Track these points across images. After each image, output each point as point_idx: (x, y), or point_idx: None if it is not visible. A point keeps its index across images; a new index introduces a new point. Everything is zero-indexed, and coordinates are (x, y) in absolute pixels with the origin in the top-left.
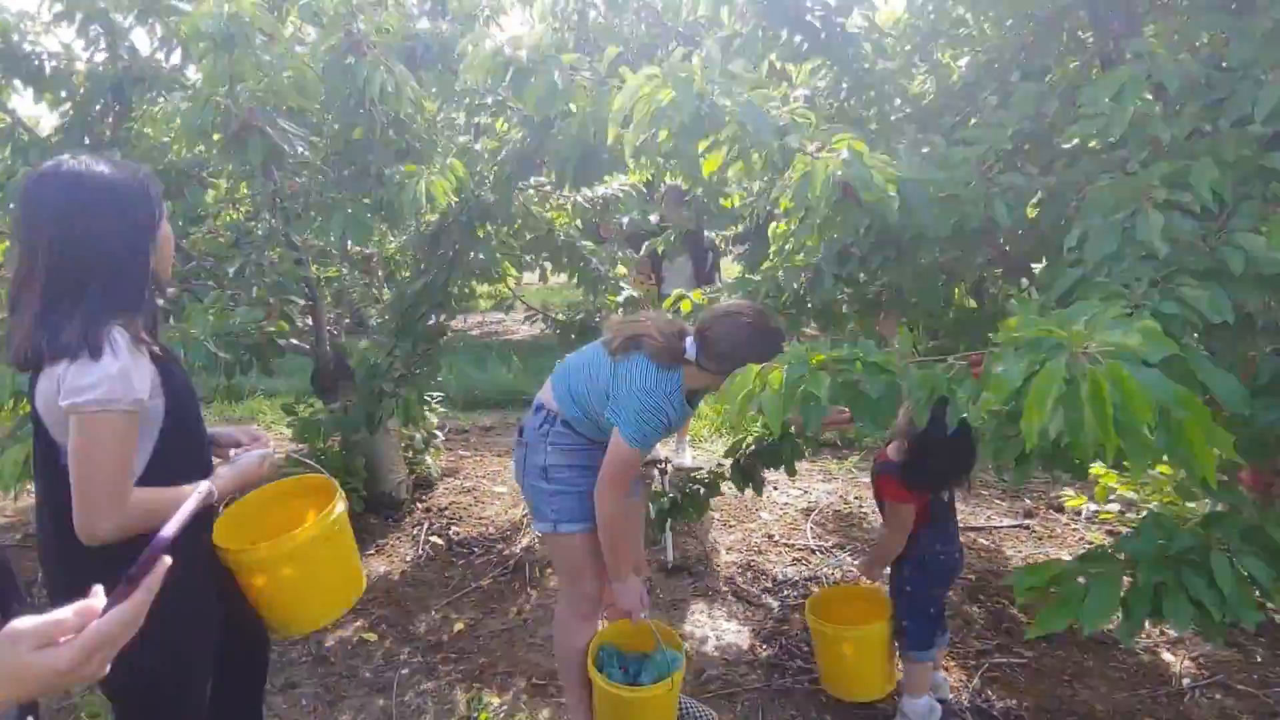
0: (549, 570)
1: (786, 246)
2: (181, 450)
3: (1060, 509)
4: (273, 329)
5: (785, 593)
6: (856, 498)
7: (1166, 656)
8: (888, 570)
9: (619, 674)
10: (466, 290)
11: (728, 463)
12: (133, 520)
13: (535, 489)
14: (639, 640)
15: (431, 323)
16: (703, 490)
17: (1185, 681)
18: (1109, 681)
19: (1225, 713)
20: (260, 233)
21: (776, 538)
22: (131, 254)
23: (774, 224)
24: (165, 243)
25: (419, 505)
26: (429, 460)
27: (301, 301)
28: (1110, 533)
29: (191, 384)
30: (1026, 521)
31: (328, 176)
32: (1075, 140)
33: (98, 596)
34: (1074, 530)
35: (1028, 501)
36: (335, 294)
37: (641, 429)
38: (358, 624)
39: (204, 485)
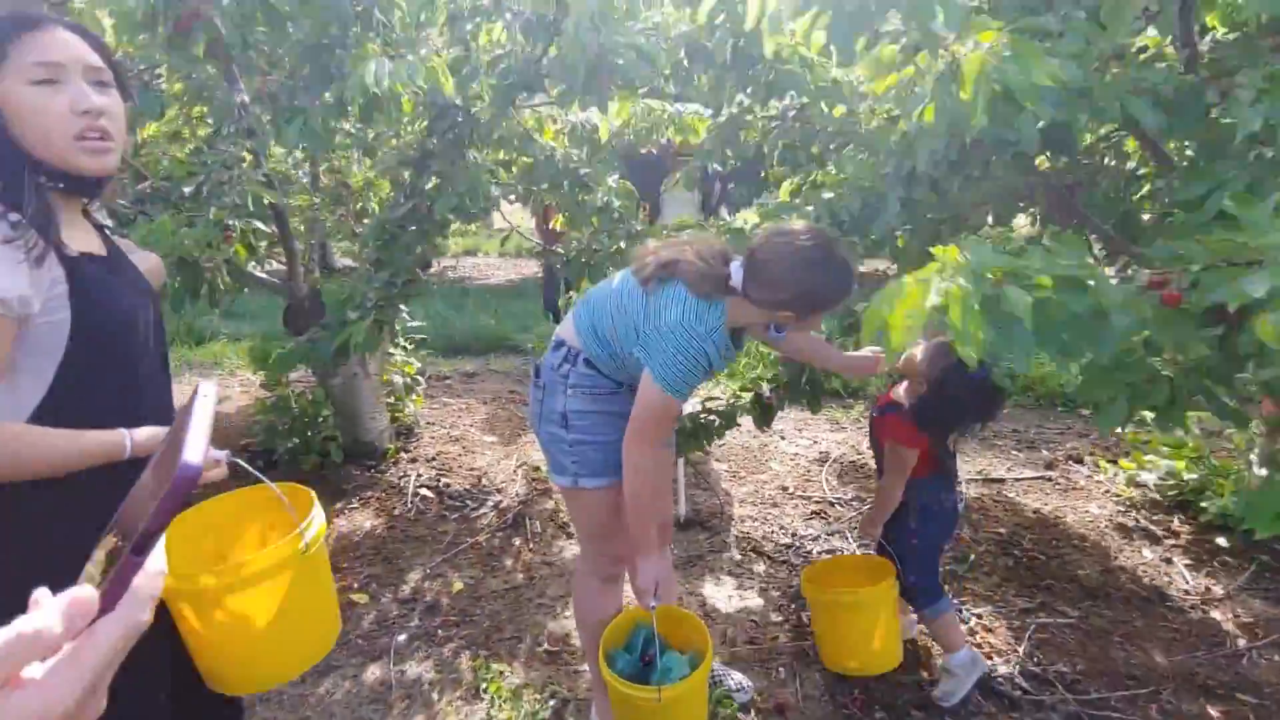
0: (552, 524)
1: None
2: (92, 385)
3: (1080, 460)
4: (228, 255)
5: (806, 548)
6: (869, 447)
7: (1215, 615)
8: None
9: (632, 661)
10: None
11: (746, 396)
12: None
13: (553, 438)
14: (676, 631)
15: (417, 251)
16: (718, 421)
17: (1241, 643)
18: (1162, 643)
19: None
20: (226, 150)
21: (791, 489)
22: None
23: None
24: (17, 103)
25: (404, 455)
26: (411, 407)
27: (268, 229)
28: (1138, 484)
29: (133, 302)
30: (1048, 474)
31: (296, 80)
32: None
33: (85, 588)
34: (1097, 482)
35: (1045, 452)
36: (307, 226)
37: (678, 372)
38: (345, 583)
39: (116, 435)
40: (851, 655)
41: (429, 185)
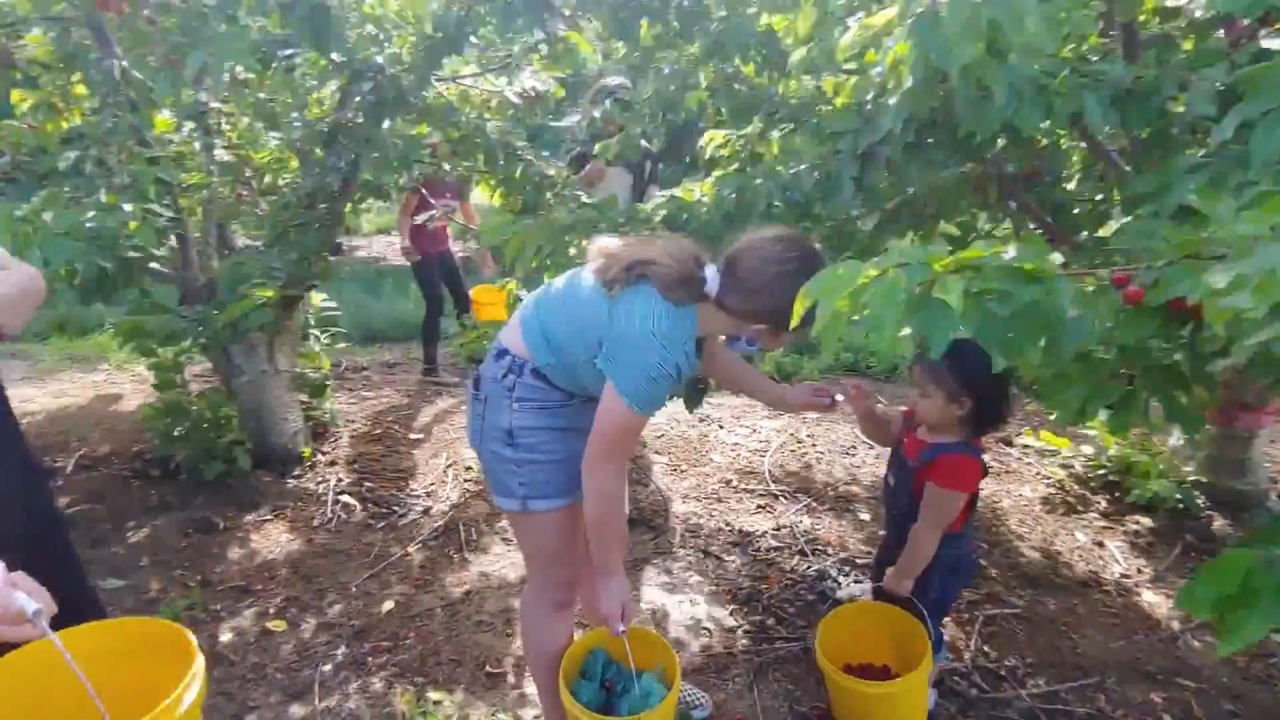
0: (489, 530)
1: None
2: None
3: (1010, 443)
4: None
5: (754, 545)
6: (808, 435)
7: (1149, 597)
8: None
9: (596, 691)
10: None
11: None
12: None
13: (497, 457)
14: (635, 649)
15: (321, 230)
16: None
17: (1175, 625)
18: (1103, 629)
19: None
20: (107, 125)
21: (734, 484)
22: None
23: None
24: None
25: (321, 458)
26: (328, 405)
27: (164, 213)
28: (1065, 466)
29: None
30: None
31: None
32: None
33: None
34: (1028, 464)
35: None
36: (203, 206)
37: (646, 385)
38: (260, 610)
39: None
40: None
41: (343, 163)
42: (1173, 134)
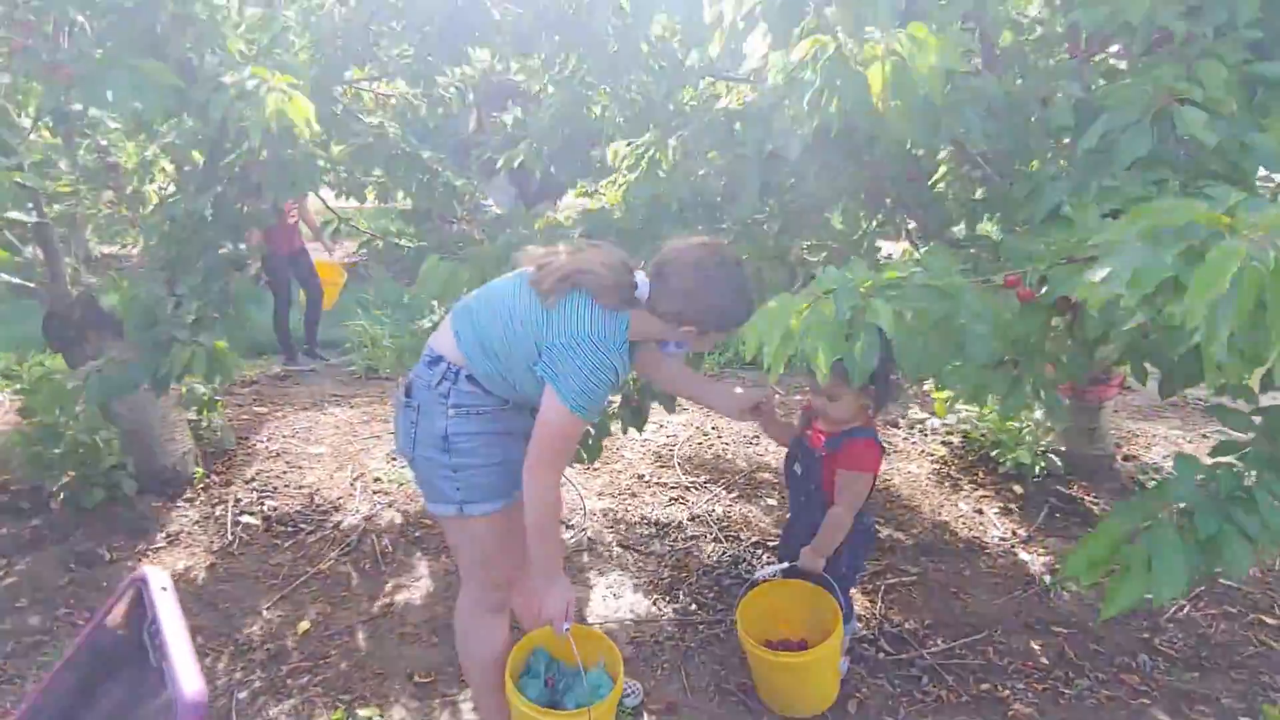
0: (404, 541)
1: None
2: None
3: (896, 425)
4: None
5: (671, 536)
6: (713, 428)
7: (1024, 556)
8: None
9: (541, 689)
10: (268, 210)
11: (614, 400)
12: None
13: (431, 463)
14: (578, 646)
15: (225, 251)
16: (592, 432)
17: (1047, 579)
18: (987, 588)
19: (1083, 603)
20: None
21: (647, 477)
22: None
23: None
24: None
25: (215, 479)
26: (219, 422)
27: (25, 218)
28: (945, 443)
29: None
30: None
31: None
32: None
33: None
34: (913, 443)
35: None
36: (67, 217)
37: (586, 388)
38: None
39: None
40: (799, 706)
41: (234, 171)
42: (1030, 142)
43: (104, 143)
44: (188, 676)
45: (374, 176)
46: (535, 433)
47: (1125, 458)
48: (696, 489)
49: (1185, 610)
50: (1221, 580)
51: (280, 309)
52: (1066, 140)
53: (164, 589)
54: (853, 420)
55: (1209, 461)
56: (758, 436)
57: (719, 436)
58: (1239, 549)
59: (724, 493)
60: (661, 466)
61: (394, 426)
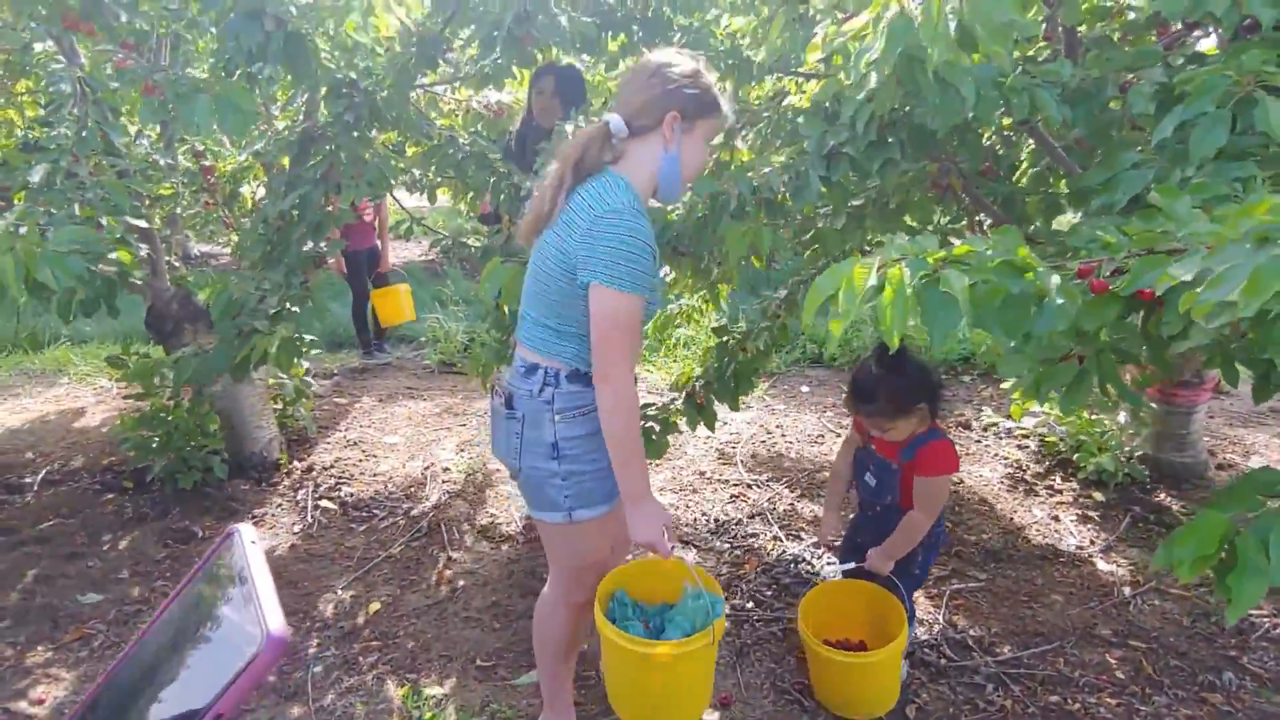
0: (470, 529)
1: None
2: None
3: (968, 426)
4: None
5: (731, 532)
6: (777, 426)
7: (1102, 566)
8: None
9: (640, 629)
10: (348, 208)
11: (678, 397)
12: None
13: (540, 472)
14: (656, 585)
15: (307, 248)
16: (657, 429)
17: (1126, 591)
18: (1060, 597)
19: (1166, 616)
20: (67, 132)
21: (708, 474)
22: None
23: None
24: None
25: (297, 465)
26: (303, 411)
27: (138, 224)
28: (1021, 447)
29: None
30: None
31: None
32: (1098, 27)
33: None
34: (986, 446)
35: (938, 422)
36: (168, 218)
37: (624, 259)
38: None
39: None
40: (859, 706)
41: (318, 174)
42: (1113, 131)
43: (200, 148)
44: (273, 614)
45: (447, 176)
46: (594, 339)
47: (1219, 466)
48: (758, 487)
49: (1278, 629)
50: None
51: (358, 304)
52: (1147, 130)
53: (253, 542)
54: (915, 432)
55: None
56: (821, 436)
57: (783, 435)
58: None
59: (786, 490)
60: (724, 463)
61: (492, 439)
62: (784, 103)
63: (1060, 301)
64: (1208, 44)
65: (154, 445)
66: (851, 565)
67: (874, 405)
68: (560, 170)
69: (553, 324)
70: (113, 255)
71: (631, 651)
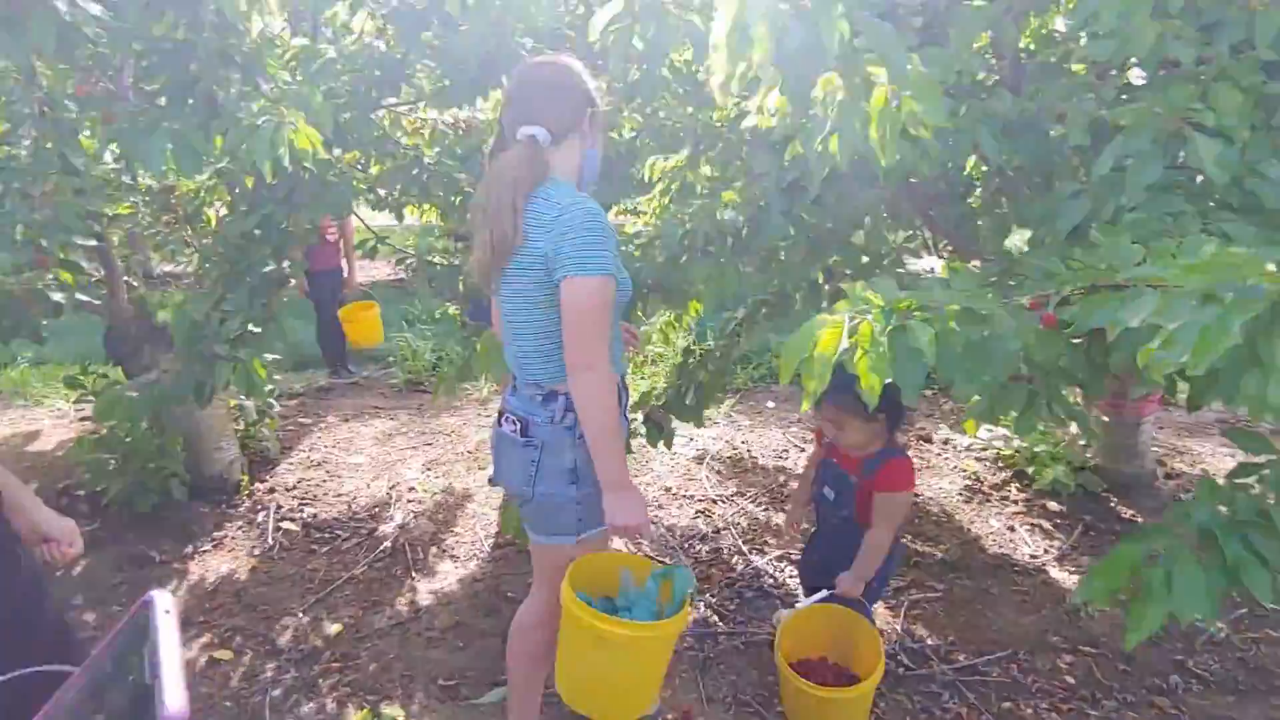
0: (435, 549)
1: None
2: None
3: (929, 440)
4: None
5: (696, 548)
6: (743, 441)
7: (1055, 574)
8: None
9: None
10: (309, 228)
11: (638, 416)
12: None
13: (556, 497)
14: (596, 580)
15: (269, 269)
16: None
17: (1078, 599)
18: (1014, 606)
19: (1115, 623)
20: (23, 153)
21: (674, 490)
22: None
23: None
24: None
25: (259, 486)
26: (266, 432)
27: (89, 243)
28: (979, 459)
29: None
30: None
31: (139, 84)
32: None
33: None
34: (945, 459)
35: (898, 436)
36: (127, 237)
37: (588, 245)
38: (204, 641)
39: None
40: None
41: (280, 194)
42: (1055, 157)
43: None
44: (173, 694)
45: (412, 195)
46: (565, 328)
47: (1168, 476)
48: (723, 501)
49: (1224, 633)
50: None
51: (324, 324)
52: (1081, 160)
53: (166, 612)
54: (870, 444)
55: (1229, 483)
56: (786, 451)
57: (748, 450)
58: (1258, 574)
59: (750, 505)
60: (690, 479)
61: (497, 467)
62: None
63: (1013, 347)
64: (1136, 73)
65: (111, 468)
66: (823, 594)
67: (849, 395)
68: (511, 196)
69: (557, 353)
70: (51, 278)
71: (633, 636)
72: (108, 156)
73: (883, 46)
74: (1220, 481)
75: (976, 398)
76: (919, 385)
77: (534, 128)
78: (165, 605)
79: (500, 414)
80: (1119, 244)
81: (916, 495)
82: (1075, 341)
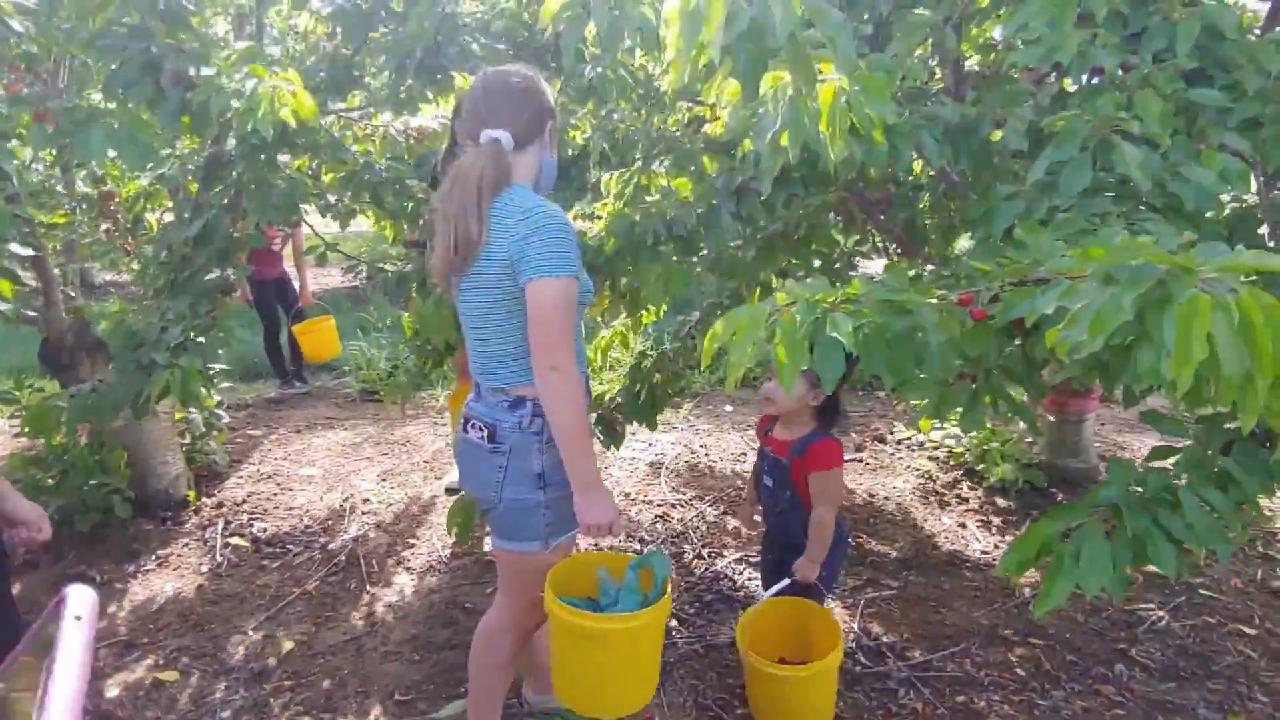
0: (390, 561)
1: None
2: None
3: (883, 440)
4: None
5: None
6: (701, 445)
7: None
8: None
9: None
10: (256, 233)
11: (591, 418)
12: None
13: (523, 504)
14: (584, 582)
15: (212, 276)
16: None
17: (1026, 592)
18: (967, 601)
19: (1062, 614)
20: None
21: (633, 495)
22: None
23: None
24: None
25: (207, 502)
26: (214, 445)
27: (23, 252)
28: (931, 458)
29: None
30: (859, 455)
31: (81, 77)
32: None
33: None
34: (899, 459)
35: (855, 436)
36: (64, 246)
37: (555, 249)
38: (149, 662)
39: None
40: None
41: (224, 199)
42: (994, 163)
43: (100, 173)
44: (57, 714)
45: (364, 202)
46: (531, 330)
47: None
48: (682, 505)
49: (1164, 621)
50: (1201, 590)
51: (270, 333)
52: (1022, 163)
53: (77, 617)
54: (805, 425)
55: (1144, 466)
56: (744, 454)
57: (706, 454)
58: (1164, 548)
59: (709, 509)
60: (648, 485)
61: (463, 474)
62: (700, 130)
63: (939, 343)
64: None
65: (49, 485)
66: (784, 583)
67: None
68: (476, 197)
69: (524, 356)
70: None
71: (628, 628)
72: (39, 167)
73: (831, 31)
74: (1137, 464)
75: (925, 400)
76: (837, 375)
77: (498, 131)
78: (79, 608)
79: (465, 421)
80: (1040, 241)
81: (870, 496)
82: (1016, 344)
